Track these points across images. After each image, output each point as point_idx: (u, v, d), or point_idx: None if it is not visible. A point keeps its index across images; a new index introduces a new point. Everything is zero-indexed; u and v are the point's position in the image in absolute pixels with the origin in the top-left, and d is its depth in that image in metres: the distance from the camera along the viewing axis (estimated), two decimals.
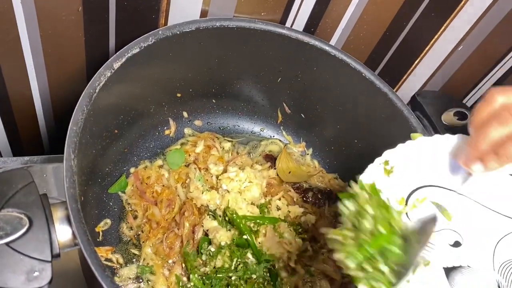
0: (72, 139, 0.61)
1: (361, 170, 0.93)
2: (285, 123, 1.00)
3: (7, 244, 0.51)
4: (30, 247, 0.52)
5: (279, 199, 0.89)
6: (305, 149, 1.00)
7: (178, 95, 0.90)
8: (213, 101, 0.96)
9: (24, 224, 0.53)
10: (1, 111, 0.88)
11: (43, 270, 0.52)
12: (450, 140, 0.65)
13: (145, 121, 0.89)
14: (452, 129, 0.81)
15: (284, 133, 1.00)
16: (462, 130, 0.82)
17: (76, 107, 0.63)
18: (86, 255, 0.53)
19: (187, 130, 0.96)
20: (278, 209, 0.89)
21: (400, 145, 0.65)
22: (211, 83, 0.91)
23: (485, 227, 0.63)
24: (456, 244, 0.63)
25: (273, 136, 1.01)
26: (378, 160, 0.64)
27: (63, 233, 0.57)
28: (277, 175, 0.94)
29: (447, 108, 0.82)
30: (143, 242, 0.81)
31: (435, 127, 0.81)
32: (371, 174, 0.63)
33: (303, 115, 0.97)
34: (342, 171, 0.98)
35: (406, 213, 0.63)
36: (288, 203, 0.90)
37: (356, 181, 0.64)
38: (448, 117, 0.81)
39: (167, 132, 0.93)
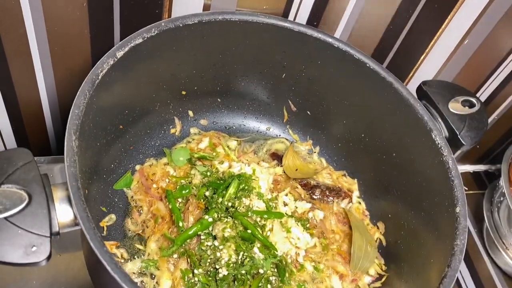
0: (74, 121, 0.61)
1: (369, 167, 0.93)
2: (291, 122, 0.99)
3: (6, 218, 0.51)
4: (28, 222, 0.52)
5: (286, 195, 0.88)
6: (312, 147, 0.99)
7: (183, 92, 0.90)
8: (218, 100, 0.96)
9: (23, 199, 0.52)
10: (9, 111, 0.89)
11: (41, 245, 0.51)
12: None
13: (151, 118, 0.89)
14: (460, 117, 0.79)
15: (290, 131, 1.00)
16: (470, 117, 0.81)
17: (79, 92, 0.64)
18: (84, 231, 0.52)
19: (193, 130, 0.96)
20: (285, 204, 0.87)
21: None
22: (215, 81, 0.91)
23: None
24: None
25: (280, 135, 1.00)
26: None
27: (63, 213, 0.56)
28: (284, 172, 0.93)
29: (454, 96, 0.81)
30: (148, 237, 0.80)
31: (443, 115, 0.79)
32: None
33: (309, 112, 0.96)
34: (351, 168, 0.97)
35: None
36: (295, 199, 0.89)
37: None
38: (456, 105, 0.80)
39: (172, 131, 0.93)
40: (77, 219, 0.54)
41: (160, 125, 0.92)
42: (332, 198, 0.92)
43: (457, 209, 0.70)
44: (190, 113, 0.95)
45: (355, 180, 0.95)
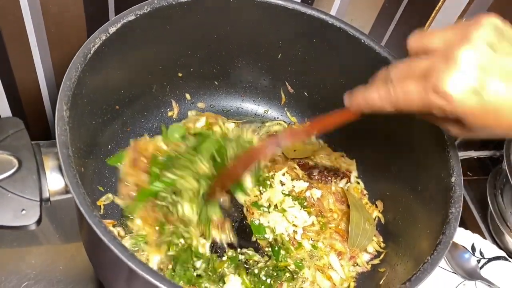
0: (65, 92, 0.61)
1: (367, 146, 0.92)
2: (289, 104, 0.99)
3: None
4: (18, 187, 0.52)
5: (283, 174, 0.88)
6: None
7: (180, 74, 0.90)
8: (216, 82, 0.96)
9: (13, 165, 0.53)
10: (8, 95, 0.90)
11: (31, 209, 0.51)
12: None
13: (148, 101, 0.89)
14: None
15: (288, 114, 1.00)
16: None
17: (71, 64, 0.64)
18: (74, 196, 0.53)
19: (190, 113, 0.96)
20: (282, 184, 0.87)
21: None
22: (212, 62, 0.92)
23: None
24: None
25: (278, 118, 1.00)
26: None
27: (54, 181, 0.57)
28: (282, 153, 0.92)
29: None
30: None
31: None
32: None
33: (306, 93, 0.96)
34: (349, 149, 0.96)
35: None
36: (292, 179, 0.88)
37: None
38: None
39: (170, 113, 0.94)
40: (67, 185, 0.55)
41: (158, 107, 0.92)
42: (330, 178, 0.91)
43: (453, 179, 0.69)
44: (188, 96, 0.95)
45: (354, 161, 0.95)
